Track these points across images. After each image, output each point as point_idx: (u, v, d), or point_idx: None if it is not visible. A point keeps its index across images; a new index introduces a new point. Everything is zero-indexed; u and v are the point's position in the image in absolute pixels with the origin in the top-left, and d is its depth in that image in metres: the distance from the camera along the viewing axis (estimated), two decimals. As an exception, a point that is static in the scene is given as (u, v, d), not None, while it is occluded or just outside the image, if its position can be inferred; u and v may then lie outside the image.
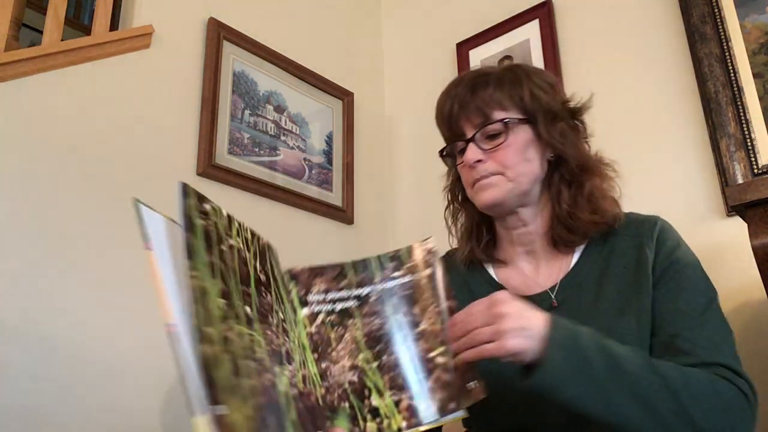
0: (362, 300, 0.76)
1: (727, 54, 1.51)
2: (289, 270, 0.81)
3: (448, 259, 1.05)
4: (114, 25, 1.69)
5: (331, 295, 0.77)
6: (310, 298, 0.78)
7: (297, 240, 1.79)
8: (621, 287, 0.86)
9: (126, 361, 1.34)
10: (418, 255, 0.80)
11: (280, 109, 1.87)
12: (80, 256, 1.33)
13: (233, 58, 1.76)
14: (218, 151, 1.64)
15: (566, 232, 0.91)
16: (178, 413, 1.41)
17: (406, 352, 0.74)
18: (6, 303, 1.21)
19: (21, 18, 1.46)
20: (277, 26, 1.94)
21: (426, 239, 0.81)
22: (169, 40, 1.64)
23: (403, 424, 0.69)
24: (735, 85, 1.48)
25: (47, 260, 1.28)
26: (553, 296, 0.90)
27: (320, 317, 0.76)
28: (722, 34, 1.53)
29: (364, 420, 0.70)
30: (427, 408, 0.70)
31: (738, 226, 1.34)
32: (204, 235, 0.58)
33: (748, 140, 1.43)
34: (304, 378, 0.69)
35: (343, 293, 0.77)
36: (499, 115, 0.90)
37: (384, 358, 0.74)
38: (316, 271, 0.78)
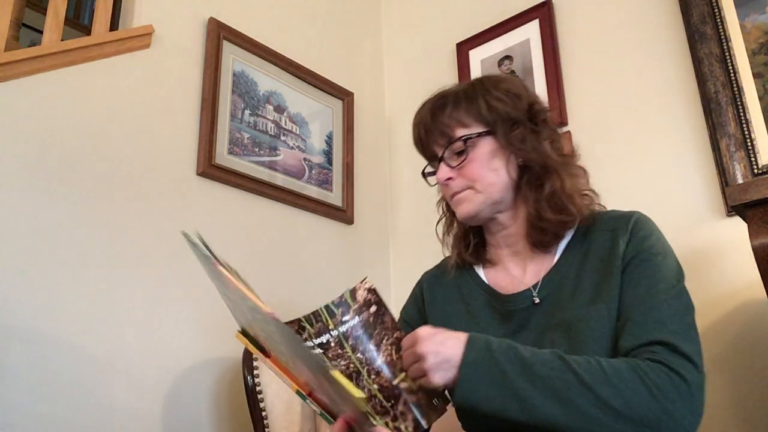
0: (324, 347, 0.83)
1: (727, 54, 1.51)
2: None
3: (440, 267, 1.12)
4: (114, 25, 1.69)
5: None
6: None
7: (297, 240, 1.79)
8: (596, 279, 0.89)
9: (126, 361, 1.34)
10: (361, 296, 0.87)
11: (280, 109, 1.87)
12: (80, 256, 1.33)
13: (233, 58, 1.76)
14: (218, 151, 1.64)
15: (538, 234, 0.95)
16: (179, 413, 1.41)
17: (373, 383, 0.83)
18: (6, 303, 1.21)
19: (21, 18, 1.46)
20: (277, 26, 1.94)
21: (364, 280, 0.88)
22: (169, 40, 1.64)
23: None
24: (735, 85, 1.48)
25: (47, 260, 1.28)
26: (534, 293, 0.94)
27: None
28: (722, 34, 1.53)
29: None
30: (405, 429, 0.82)
31: (738, 226, 1.34)
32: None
33: (748, 140, 1.43)
34: None
35: (308, 344, 0.82)
36: (460, 132, 0.96)
37: None
38: None
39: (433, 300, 1.07)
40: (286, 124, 1.87)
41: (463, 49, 2.06)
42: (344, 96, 2.07)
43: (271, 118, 1.83)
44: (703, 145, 1.52)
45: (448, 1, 2.21)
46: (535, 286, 0.94)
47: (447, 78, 2.09)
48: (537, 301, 0.93)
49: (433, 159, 1.00)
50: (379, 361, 0.84)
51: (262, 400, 1.30)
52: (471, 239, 1.04)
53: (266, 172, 1.76)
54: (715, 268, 1.42)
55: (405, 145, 2.17)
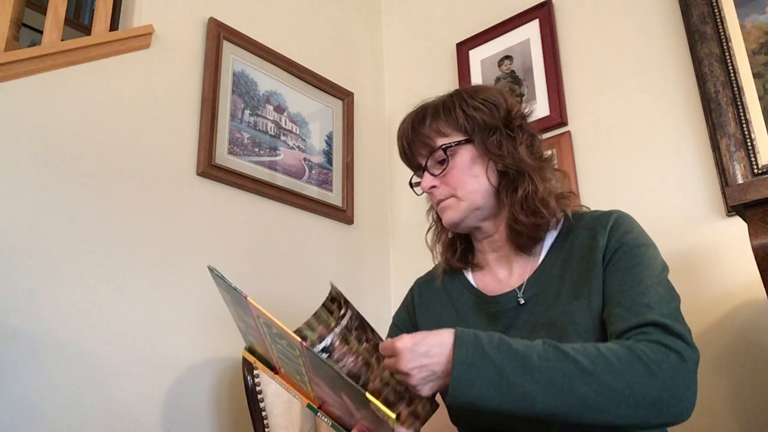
0: (329, 350, 0.81)
1: (727, 54, 1.51)
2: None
3: (430, 274, 1.13)
4: (114, 25, 1.69)
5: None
6: None
7: (297, 240, 1.79)
8: (577, 276, 0.91)
9: (126, 361, 1.34)
10: (338, 291, 0.85)
11: (280, 109, 1.87)
12: (80, 256, 1.33)
13: (233, 58, 1.76)
14: (218, 151, 1.64)
15: (517, 237, 0.98)
16: (179, 413, 1.41)
17: (383, 371, 0.81)
18: (6, 303, 1.21)
19: (21, 18, 1.46)
20: (277, 26, 1.94)
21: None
22: (169, 40, 1.64)
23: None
24: (735, 85, 1.48)
25: (47, 260, 1.28)
26: (520, 294, 0.96)
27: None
28: (722, 34, 1.53)
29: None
30: (423, 409, 0.80)
31: (738, 226, 1.34)
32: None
33: (748, 140, 1.43)
34: None
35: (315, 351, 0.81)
36: (440, 142, 0.99)
37: (370, 385, 0.81)
38: None
39: (423, 304, 1.09)
40: (286, 124, 1.87)
41: (463, 49, 2.06)
42: (344, 96, 2.07)
43: (271, 118, 1.83)
44: (703, 145, 1.51)
45: (448, 1, 2.21)
46: (520, 288, 0.97)
47: (447, 78, 2.10)
48: (522, 301, 0.95)
49: (419, 169, 1.04)
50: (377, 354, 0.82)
51: (262, 400, 1.30)
52: (458, 245, 1.07)
53: (266, 172, 1.76)
54: (715, 268, 1.42)
55: (405, 145, 2.17)
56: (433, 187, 0.99)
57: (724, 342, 1.36)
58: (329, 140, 2.00)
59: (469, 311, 1.01)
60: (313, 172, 1.91)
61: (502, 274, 1.02)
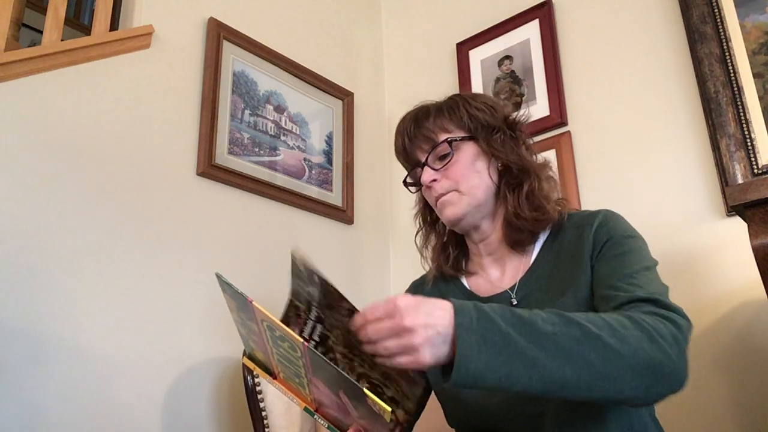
0: (321, 320, 0.77)
1: (727, 54, 1.51)
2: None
3: (424, 278, 1.13)
4: (114, 25, 1.69)
5: (305, 333, 0.79)
6: None
7: (297, 240, 1.79)
8: (566, 274, 0.92)
9: (126, 361, 1.34)
10: (303, 269, 0.79)
11: (280, 109, 1.87)
12: (80, 256, 1.33)
13: (233, 58, 1.76)
14: (218, 151, 1.64)
15: (515, 233, 0.98)
16: (179, 413, 1.41)
17: (364, 363, 0.76)
18: (6, 303, 1.21)
19: (21, 18, 1.46)
20: (277, 26, 1.94)
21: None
22: (169, 40, 1.64)
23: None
24: (735, 85, 1.48)
25: (47, 260, 1.28)
26: (513, 295, 0.96)
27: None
28: (722, 34, 1.53)
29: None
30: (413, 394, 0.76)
31: (738, 226, 1.34)
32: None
33: (748, 140, 1.43)
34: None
35: (309, 325, 0.78)
36: (443, 137, 1.00)
37: (357, 360, 0.77)
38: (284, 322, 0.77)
39: None
40: (286, 124, 1.87)
41: (463, 49, 2.06)
42: (344, 96, 2.07)
43: (271, 118, 1.83)
44: (703, 145, 1.52)
45: (448, 1, 2.21)
46: (512, 288, 0.97)
47: (447, 78, 2.10)
48: (515, 302, 0.95)
49: (416, 166, 1.03)
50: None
51: (262, 400, 1.30)
52: (451, 251, 1.07)
53: (266, 172, 1.76)
54: (715, 268, 1.42)
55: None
56: (434, 180, 0.99)
57: (724, 342, 1.36)
58: (329, 140, 2.00)
59: None
60: (313, 172, 1.91)
61: (494, 276, 1.02)
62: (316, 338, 0.79)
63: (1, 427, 1.15)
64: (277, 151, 1.82)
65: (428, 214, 1.11)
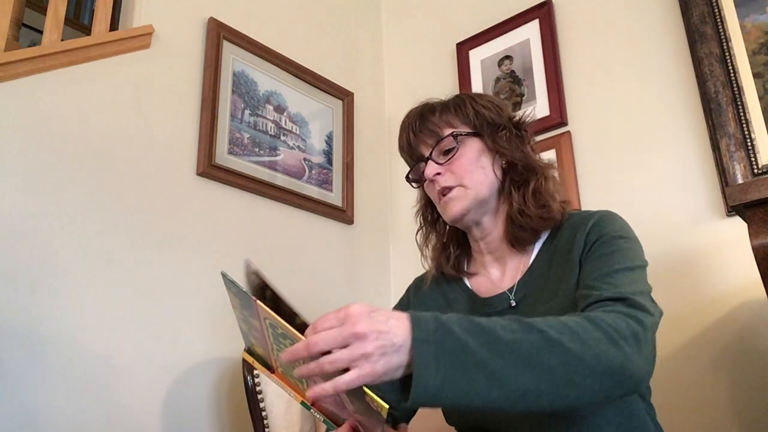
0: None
1: (727, 54, 1.51)
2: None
3: (423, 277, 1.13)
4: (114, 25, 1.69)
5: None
6: None
7: (297, 240, 1.79)
8: (558, 275, 0.92)
9: (126, 361, 1.34)
10: (253, 283, 0.78)
11: (280, 109, 1.87)
12: (80, 256, 1.33)
13: (233, 58, 1.76)
14: (218, 151, 1.64)
15: (519, 231, 0.98)
16: (179, 413, 1.41)
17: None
18: (6, 303, 1.21)
19: (21, 18, 1.46)
20: (277, 26, 1.94)
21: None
22: (169, 40, 1.64)
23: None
24: (735, 85, 1.48)
25: (46, 260, 1.28)
26: (511, 296, 0.96)
27: None
28: (722, 34, 1.53)
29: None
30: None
31: (738, 226, 1.34)
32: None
33: (748, 140, 1.43)
34: None
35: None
36: (449, 131, 1.00)
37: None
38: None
39: (419, 303, 1.09)
40: (286, 124, 1.87)
41: (463, 49, 2.06)
42: (344, 96, 2.07)
43: (271, 118, 1.83)
44: (703, 145, 1.51)
45: (448, 1, 2.21)
46: (511, 290, 0.97)
47: (447, 78, 2.10)
48: (513, 304, 0.95)
49: (420, 161, 1.03)
50: None
51: (262, 400, 1.30)
52: (452, 251, 1.07)
53: (266, 172, 1.76)
54: (715, 268, 1.42)
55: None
56: (438, 174, 0.99)
57: (724, 342, 1.36)
58: (329, 140, 2.00)
59: (464, 312, 1.01)
60: (313, 172, 1.90)
61: (495, 275, 1.02)
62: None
63: (1, 427, 1.15)
64: (277, 151, 1.82)
65: (429, 213, 1.11)
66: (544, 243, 0.99)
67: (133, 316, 1.38)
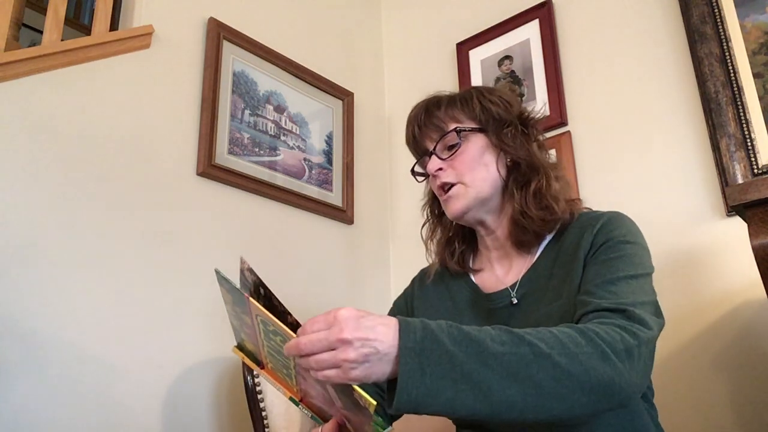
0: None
1: (727, 54, 1.51)
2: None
3: (425, 273, 1.12)
4: (114, 25, 1.69)
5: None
6: None
7: (297, 240, 1.79)
8: (562, 275, 0.91)
9: (126, 361, 1.34)
10: (249, 278, 0.79)
11: (280, 109, 1.87)
12: (80, 256, 1.33)
13: (233, 58, 1.76)
14: (218, 151, 1.64)
15: (521, 233, 0.96)
16: (179, 413, 1.41)
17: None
18: (7, 303, 1.21)
19: (21, 18, 1.46)
20: (277, 26, 1.94)
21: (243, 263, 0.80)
22: (169, 40, 1.64)
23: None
24: (735, 85, 1.48)
25: (47, 260, 1.28)
26: (513, 293, 0.95)
27: None
28: (722, 34, 1.53)
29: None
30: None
31: (738, 226, 1.34)
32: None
33: (748, 140, 1.43)
34: None
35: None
36: (453, 126, 0.99)
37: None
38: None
39: (423, 294, 1.09)
40: (286, 124, 1.87)
41: (463, 49, 2.06)
42: (344, 96, 2.07)
43: (271, 118, 1.83)
44: (703, 145, 1.51)
45: (448, 1, 2.21)
46: (513, 286, 0.96)
47: (447, 78, 2.10)
48: (515, 301, 0.94)
49: (425, 154, 1.02)
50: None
51: (262, 400, 1.30)
52: (457, 246, 1.06)
53: (266, 172, 1.76)
54: (715, 268, 1.42)
55: (405, 145, 2.17)
56: (440, 169, 0.98)
57: (724, 342, 1.36)
58: (329, 140, 2.00)
59: (466, 306, 1.00)
60: (313, 172, 1.91)
61: (500, 271, 1.01)
62: None
63: (1, 427, 1.15)
64: (277, 151, 1.82)
65: (436, 207, 1.10)
66: (549, 241, 0.98)
67: (133, 316, 1.38)
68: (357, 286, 1.93)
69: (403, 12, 2.35)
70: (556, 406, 0.68)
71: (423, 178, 1.06)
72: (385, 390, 0.70)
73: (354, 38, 2.24)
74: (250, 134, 1.75)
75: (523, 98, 1.86)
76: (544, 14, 1.89)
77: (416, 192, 2.06)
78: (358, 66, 2.21)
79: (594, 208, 1.01)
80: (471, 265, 1.06)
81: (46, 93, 1.37)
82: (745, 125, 1.45)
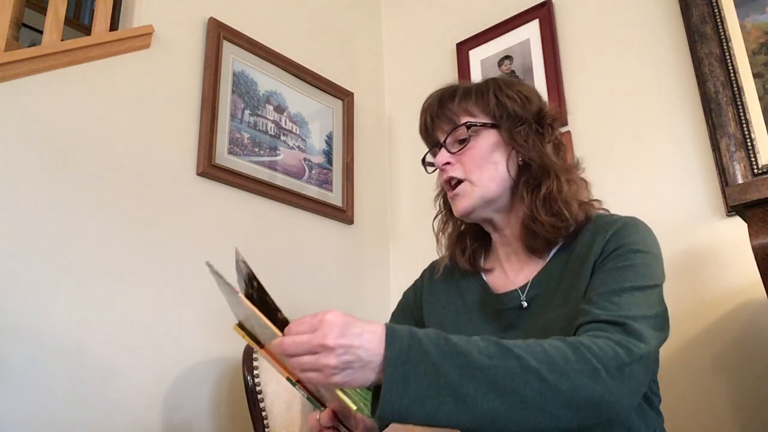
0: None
1: (727, 54, 1.51)
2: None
3: (434, 266, 1.10)
4: (114, 25, 1.69)
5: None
6: None
7: (297, 240, 1.79)
8: (571, 280, 0.88)
9: (126, 361, 1.34)
10: (243, 270, 0.79)
11: (280, 109, 1.87)
12: (80, 256, 1.33)
13: (233, 58, 1.76)
14: (218, 151, 1.64)
15: (531, 239, 0.94)
16: (179, 413, 1.41)
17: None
18: (6, 303, 1.21)
19: (21, 18, 1.46)
20: (277, 26, 1.94)
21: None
22: (169, 40, 1.64)
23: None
24: (735, 85, 1.48)
25: (47, 260, 1.28)
26: (522, 295, 0.93)
27: None
28: (722, 34, 1.53)
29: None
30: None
31: (738, 226, 1.34)
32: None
33: (748, 140, 1.43)
34: None
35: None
36: (465, 119, 0.96)
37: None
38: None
39: (433, 288, 1.07)
40: (286, 124, 1.87)
41: (463, 49, 2.06)
42: (344, 96, 2.07)
43: (271, 118, 1.83)
44: (703, 145, 1.51)
45: (448, 1, 2.21)
46: (523, 288, 0.94)
47: (447, 78, 2.08)
48: (525, 304, 0.92)
49: (436, 146, 1.00)
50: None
51: (262, 400, 1.30)
52: (468, 244, 1.04)
53: (266, 172, 1.76)
54: (715, 268, 1.42)
55: (405, 145, 2.17)
56: (448, 163, 0.95)
57: (724, 342, 1.37)
58: (329, 140, 2.00)
59: (475, 304, 0.99)
60: (313, 172, 1.91)
61: (511, 272, 0.99)
62: None
63: (1, 427, 1.15)
64: (277, 151, 1.82)
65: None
66: (563, 244, 0.94)
67: (133, 316, 1.38)
68: (357, 286, 1.93)
69: (403, 12, 2.35)
70: (541, 419, 0.67)
71: (433, 168, 1.03)
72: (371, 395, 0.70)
73: (354, 38, 2.24)
74: (250, 134, 1.75)
75: (523, 98, 1.86)
76: (544, 14, 1.89)
77: (416, 192, 2.07)
78: (358, 66, 2.21)
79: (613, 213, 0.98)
80: (482, 264, 1.03)
81: (46, 93, 1.37)
82: (745, 125, 1.45)
